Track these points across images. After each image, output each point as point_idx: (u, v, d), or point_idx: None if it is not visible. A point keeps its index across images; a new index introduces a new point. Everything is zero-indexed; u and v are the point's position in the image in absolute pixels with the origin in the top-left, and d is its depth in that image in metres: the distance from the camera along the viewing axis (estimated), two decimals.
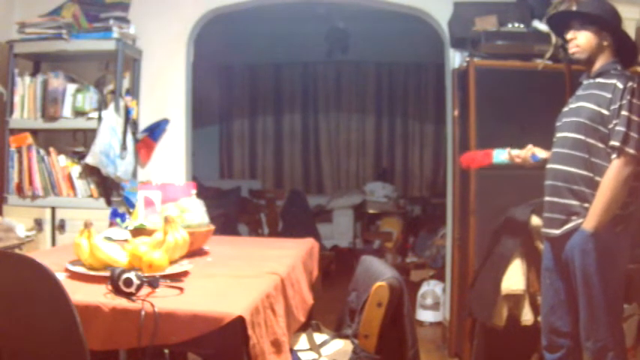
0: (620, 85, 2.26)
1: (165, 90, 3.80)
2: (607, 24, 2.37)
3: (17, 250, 2.73)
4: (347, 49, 7.17)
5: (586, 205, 2.29)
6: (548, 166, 2.45)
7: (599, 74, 2.37)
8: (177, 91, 3.82)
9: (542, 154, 2.53)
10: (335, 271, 5.48)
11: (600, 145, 2.29)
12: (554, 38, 3.12)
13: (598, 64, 2.39)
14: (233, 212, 6.11)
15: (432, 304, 4.30)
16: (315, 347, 2.19)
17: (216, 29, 4.31)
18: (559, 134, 2.45)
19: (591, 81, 2.40)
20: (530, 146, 2.57)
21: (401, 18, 4.26)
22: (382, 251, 5.88)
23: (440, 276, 4.49)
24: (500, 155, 2.64)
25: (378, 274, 1.99)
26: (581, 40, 2.39)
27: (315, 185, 7.98)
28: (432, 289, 4.33)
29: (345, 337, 2.19)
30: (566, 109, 2.47)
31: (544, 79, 3.17)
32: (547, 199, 2.44)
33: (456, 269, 3.54)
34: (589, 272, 2.29)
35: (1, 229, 2.83)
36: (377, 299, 1.88)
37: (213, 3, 3.84)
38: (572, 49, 2.43)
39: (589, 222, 2.26)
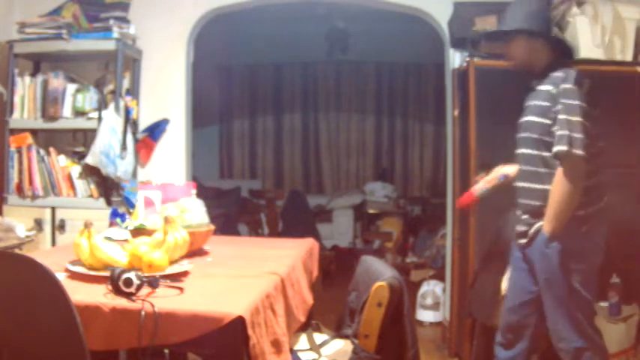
0: (554, 91, 2.24)
1: (166, 90, 3.80)
2: (528, 32, 2.37)
3: (17, 250, 2.73)
4: (347, 49, 7.18)
5: (535, 217, 2.33)
6: (515, 183, 2.46)
7: (540, 82, 2.35)
8: (178, 91, 3.82)
9: (510, 170, 2.54)
10: (335, 271, 5.48)
11: (543, 153, 2.30)
12: None
13: (539, 69, 2.38)
14: (233, 212, 6.11)
15: (432, 304, 4.30)
16: (315, 347, 2.19)
17: (216, 29, 4.31)
18: (518, 150, 2.44)
19: (533, 91, 2.39)
20: (498, 167, 2.61)
21: (401, 18, 4.26)
22: (382, 251, 5.88)
23: (440, 276, 4.49)
24: (478, 188, 2.66)
25: (378, 274, 1.99)
26: (512, 52, 2.42)
27: (315, 185, 7.98)
28: (432, 289, 4.33)
29: (345, 337, 2.19)
30: (521, 120, 2.46)
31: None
32: (517, 212, 2.46)
33: (456, 269, 3.54)
34: (551, 275, 2.30)
35: (1, 229, 2.83)
36: (377, 299, 1.88)
37: (213, 3, 3.84)
38: (507, 57, 2.45)
39: (545, 226, 2.28)
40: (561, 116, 2.20)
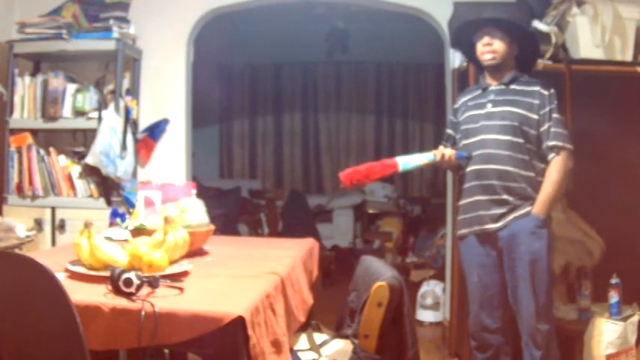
0: (545, 92, 2.50)
1: (166, 90, 3.80)
2: (524, 36, 2.56)
3: (17, 250, 2.73)
4: (347, 49, 7.18)
5: (521, 199, 2.46)
6: (477, 166, 2.53)
7: (512, 81, 2.55)
8: (177, 91, 3.81)
9: (448, 152, 2.61)
10: (335, 271, 5.48)
11: (528, 145, 2.48)
12: (554, 38, 3.13)
13: (507, 73, 2.56)
14: (233, 212, 6.10)
15: (432, 304, 4.30)
16: (315, 347, 2.19)
17: (216, 29, 4.31)
18: (482, 136, 2.53)
19: (503, 87, 2.56)
20: (441, 147, 2.68)
21: (401, 18, 4.27)
22: (382, 251, 5.88)
23: (440, 276, 4.49)
24: (411, 161, 2.60)
25: (378, 274, 1.99)
26: (497, 47, 2.52)
27: (315, 185, 7.98)
28: (432, 289, 4.33)
29: (345, 337, 2.19)
30: (473, 112, 2.59)
31: (544, 79, 3.17)
32: (478, 197, 2.53)
33: (456, 269, 3.54)
34: (539, 256, 2.44)
35: (1, 229, 2.83)
36: (377, 299, 1.88)
37: (213, 3, 3.84)
38: (486, 54, 2.54)
39: (540, 209, 2.44)
40: (555, 115, 2.48)
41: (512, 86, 2.55)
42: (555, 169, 2.45)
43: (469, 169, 2.57)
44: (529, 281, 2.44)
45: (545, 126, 2.47)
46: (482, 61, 2.58)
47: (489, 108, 2.55)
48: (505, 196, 2.47)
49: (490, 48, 2.52)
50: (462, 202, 2.62)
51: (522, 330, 2.49)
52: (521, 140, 2.47)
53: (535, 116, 2.48)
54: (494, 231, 2.50)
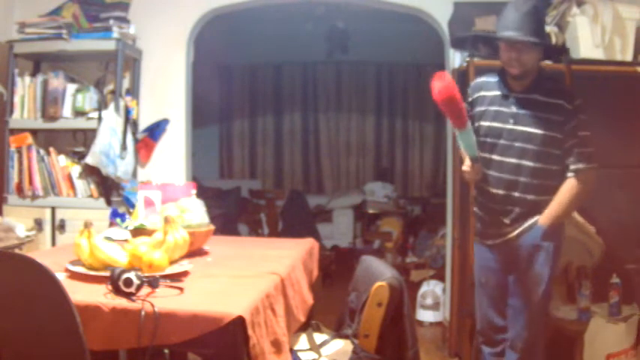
0: (569, 106, 2.35)
1: (165, 90, 3.80)
2: (552, 53, 2.53)
3: (17, 250, 2.73)
4: (347, 49, 7.18)
5: (538, 211, 2.40)
6: (494, 190, 2.47)
7: (535, 88, 2.40)
8: (177, 91, 3.82)
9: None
10: (335, 271, 5.48)
11: (549, 166, 2.39)
12: (554, 38, 3.13)
13: (529, 80, 2.41)
14: (233, 212, 6.11)
15: (432, 304, 4.30)
16: (315, 347, 2.19)
17: (216, 29, 4.31)
18: (502, 158, 2.43)
19: (526, 96, 2.40)
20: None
21: (401, 18, 4.27)
22: (382, 251, 5.88)
23: (440, 276, 4.49)
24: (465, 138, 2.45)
25: (378, 274, 1.99)
26: (526, 59, 2.35)
27: (315, 185, 7.98)
28: (432, 289, 4.33)
29: (345, 337, 2.19)
30: (494, 124, 2.44)
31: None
32: (496, 218, 2.48)
33: (456, 269, 3.54)
34: (541, 268, 2.39)
35: (1, 229, 2.83)
36: (377, 299, 1.88)
37: (213, 3, 3.84)
38: (514, 67, 2.37)
39: (546, 219, 2.38)
40: (580, 133, 2.35)
41: (534, 95, 2.39)
42: (570, 189, 2.37)
43: (488, 188, 2.49)
44: (525, 296, 2.43)
45: (569, 143, 2.36)
46: (506, 68, 2.44)
47: (511, 124, 2.42)
48: (517, 209, 2.43)
49: (518, 63, 2.36)
50: (479, 214, 2.61)
51: (509, 332, 2.51)
52: (541, 165, 2.38)
53: (559, 135, 2.36)
54: (512, 240, 2.47)
